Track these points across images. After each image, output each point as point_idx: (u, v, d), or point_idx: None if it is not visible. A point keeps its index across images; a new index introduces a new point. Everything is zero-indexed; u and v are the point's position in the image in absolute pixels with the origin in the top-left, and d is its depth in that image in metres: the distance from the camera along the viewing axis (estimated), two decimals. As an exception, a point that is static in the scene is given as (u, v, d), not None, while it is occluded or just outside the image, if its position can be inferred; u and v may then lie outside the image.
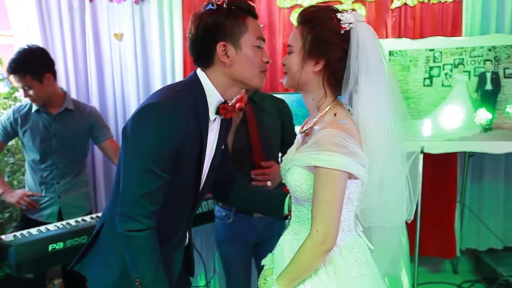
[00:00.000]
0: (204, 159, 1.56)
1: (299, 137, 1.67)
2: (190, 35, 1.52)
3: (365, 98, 1.46)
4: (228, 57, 1.48)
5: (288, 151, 1.66)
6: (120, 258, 1.52)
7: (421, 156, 3.18)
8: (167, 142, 1.40)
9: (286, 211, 1.75)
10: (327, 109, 1.50)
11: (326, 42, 1.45)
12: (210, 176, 1.65)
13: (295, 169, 1.48)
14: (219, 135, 1.64)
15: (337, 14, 1.47)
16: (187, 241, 1.72)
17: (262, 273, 1.66)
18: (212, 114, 1.54)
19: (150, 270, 1.43)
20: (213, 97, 1.53)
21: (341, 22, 1.45)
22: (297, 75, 1.49)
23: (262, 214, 1.97)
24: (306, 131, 1.56)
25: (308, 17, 1.49)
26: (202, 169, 1.57)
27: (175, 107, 1.42)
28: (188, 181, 1.55)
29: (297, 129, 1.92)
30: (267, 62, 1.54)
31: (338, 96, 1.54)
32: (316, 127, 1.49)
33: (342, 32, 1.44)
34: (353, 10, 1.54)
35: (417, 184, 1.57)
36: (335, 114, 1.47)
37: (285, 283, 1.44)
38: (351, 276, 1.45)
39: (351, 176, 1.42)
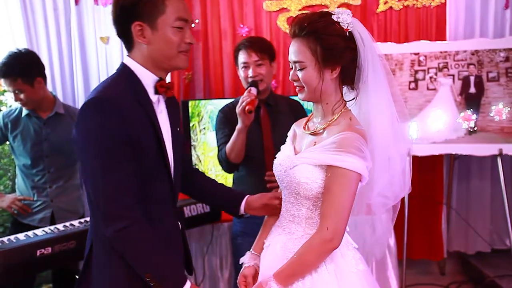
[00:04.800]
0: (165, 142, 1.53)
1: (292, 135, 1.68)
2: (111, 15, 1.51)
3: (372, 86, 1.50)
4: (144, 37, 1.47)
5: (282, 148, 1.66)
6: (122, 271, 1.47)
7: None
8: (115, 131, 1.38)
9: (242, 211, 1.77)
10: (340, 113, 1.52)
11: (336, 48, 1.46)
12: (177, 162, 1.62)
13: (305, 166, 1.48)
14: (169, 116, 1.61)
15: (332, 17, 1.47)
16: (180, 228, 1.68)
17: (241, 271, 1.65)
18: (152, 95, 1.52)
19: (156, 257, 1.41)
20: (147, 78, 1.51)
21: (341, 24, 1.46)
22: (318, 87, 1.49)
23: (219, 209, 1.96)
24: (316, 131, 1.55)
25: (310, 29, 1.47)
26: (166, 152, 1.54)
27: (112, 97, 1.40)
28: (156, 167, 1.52)
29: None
30: (190, 43, 1.52)
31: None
32: (331, 129, 1.50)
33: (347, 34, 1.47)
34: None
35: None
36: (350, 119, 1.51)
37: (283, 279, 1.43)
38: (350, 272, 1.49)
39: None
